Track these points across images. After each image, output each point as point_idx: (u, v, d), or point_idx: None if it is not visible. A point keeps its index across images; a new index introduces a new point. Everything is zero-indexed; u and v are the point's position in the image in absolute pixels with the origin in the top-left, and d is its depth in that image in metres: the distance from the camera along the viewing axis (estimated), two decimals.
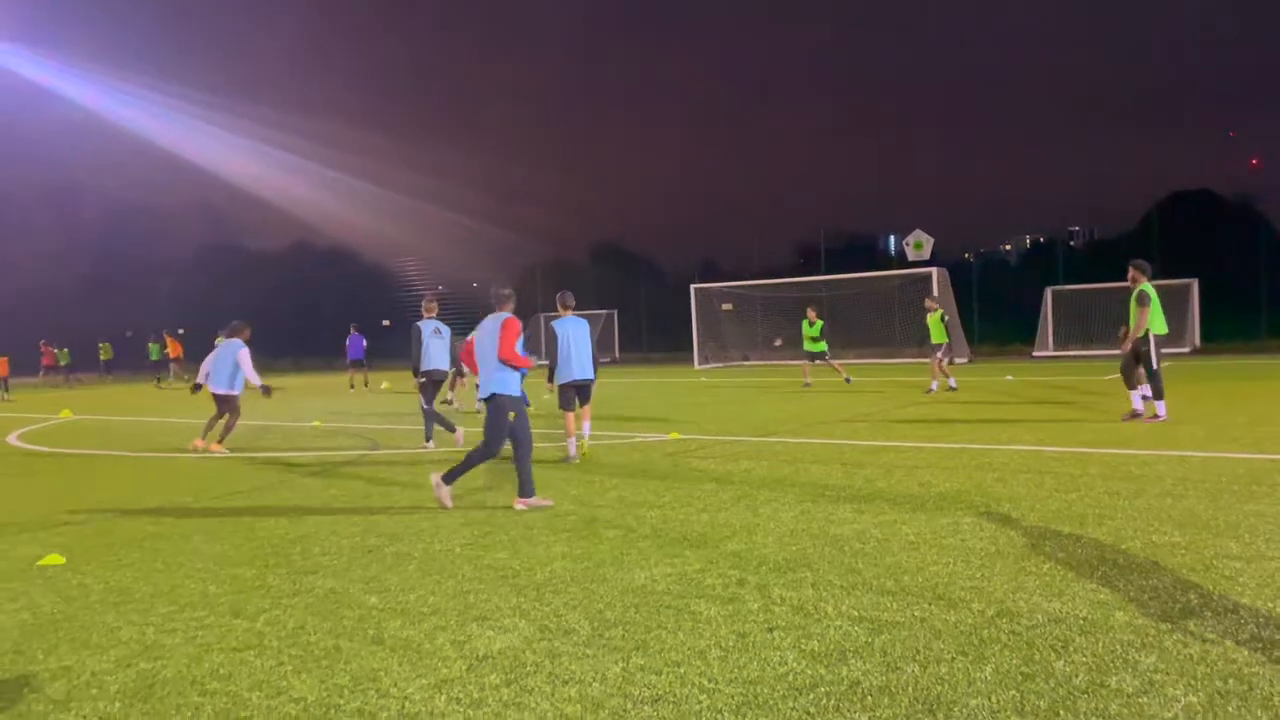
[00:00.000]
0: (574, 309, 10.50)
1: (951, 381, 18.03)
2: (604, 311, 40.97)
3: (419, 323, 11.83)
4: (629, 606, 4.73)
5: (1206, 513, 6.38)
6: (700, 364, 32.32)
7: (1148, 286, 11.79)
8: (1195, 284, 30.87)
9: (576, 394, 10.27)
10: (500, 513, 7.35)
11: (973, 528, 6.18)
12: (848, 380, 20.21)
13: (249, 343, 12.74)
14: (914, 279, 29.76)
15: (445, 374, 12.07)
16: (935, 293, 28.59)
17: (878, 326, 31.81)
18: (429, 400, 11.85)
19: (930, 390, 17.80)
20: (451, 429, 11.78)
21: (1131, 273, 11.97)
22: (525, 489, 7.47)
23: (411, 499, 8.14)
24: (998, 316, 35.92)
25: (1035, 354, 31.39)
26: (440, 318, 12.11)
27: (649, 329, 41.01)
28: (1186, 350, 29.59)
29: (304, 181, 62.93)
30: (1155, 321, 11.72)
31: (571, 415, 10.19)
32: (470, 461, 7.53)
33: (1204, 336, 31.03)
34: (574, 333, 10.20)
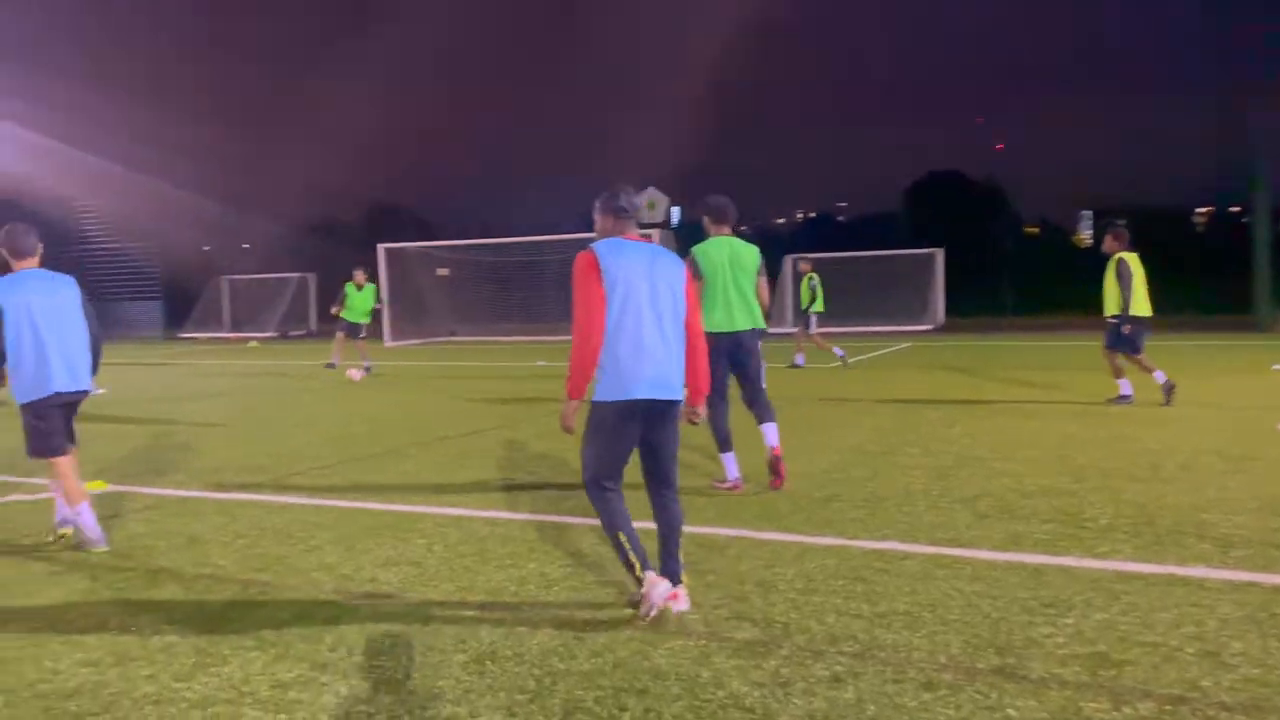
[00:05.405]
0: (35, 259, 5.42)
1: None
2: (296, 275, 34.59)
3: None
4: None
5: None
6: (393, 340, 26.81)
7: (1129, 256, 9.68)
8: (940, 254, 28.47)
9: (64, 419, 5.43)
10: None
11: None
12: (331, 365, 17.10)
13: None
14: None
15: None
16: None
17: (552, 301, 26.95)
18: None
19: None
20: None
21: (1108, 240, 9.93)
22: None
23: None
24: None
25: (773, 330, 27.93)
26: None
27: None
28: (930, 327, 27.05)
29: None
30: (1138, 301, 9.67)
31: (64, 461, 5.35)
32: None
33: (951, 310, 28.77)
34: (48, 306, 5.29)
